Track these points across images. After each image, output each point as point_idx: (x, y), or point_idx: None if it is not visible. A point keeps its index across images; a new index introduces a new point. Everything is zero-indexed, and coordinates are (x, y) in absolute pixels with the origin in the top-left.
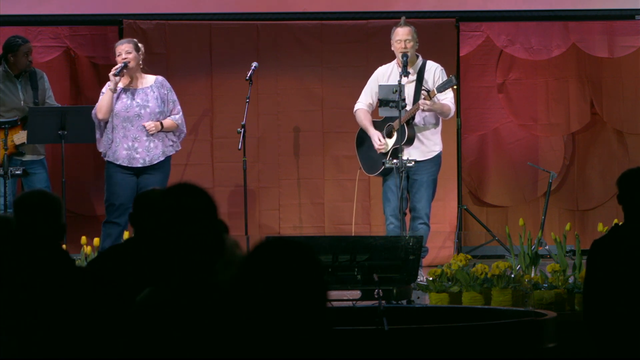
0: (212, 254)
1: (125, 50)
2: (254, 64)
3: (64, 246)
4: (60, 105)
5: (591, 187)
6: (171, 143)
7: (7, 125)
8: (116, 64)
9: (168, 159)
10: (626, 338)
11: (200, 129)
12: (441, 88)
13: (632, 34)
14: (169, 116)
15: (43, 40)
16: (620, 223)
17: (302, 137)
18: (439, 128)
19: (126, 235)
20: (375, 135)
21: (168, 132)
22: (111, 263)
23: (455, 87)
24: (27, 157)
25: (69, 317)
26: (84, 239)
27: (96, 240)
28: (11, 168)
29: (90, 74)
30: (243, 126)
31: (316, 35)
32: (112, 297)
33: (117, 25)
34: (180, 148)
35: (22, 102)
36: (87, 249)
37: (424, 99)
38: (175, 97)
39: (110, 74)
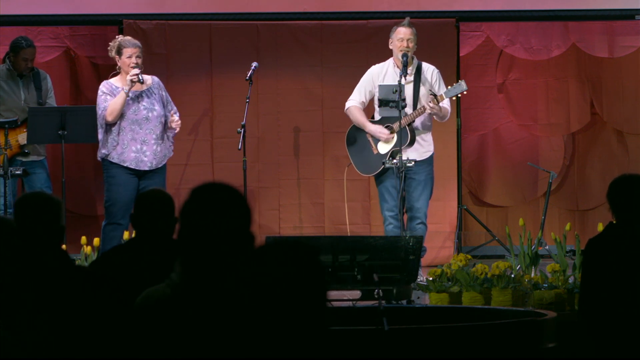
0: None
1: (136, 55)
2: (254, 64)
3: (63, 246)
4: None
5: (591, 187)
6: (170, 144)
7: (7, 126)
8: (115, 61)
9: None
10: (621, 335)
11: (200, 129)
12: (451, 93)
13: (632, 34)
14: (171, 113)
15: (43, 40)
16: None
17: (302, 137)
18: (431, 129)
19: (126, 235)
20: (378, 128)
21: (169, 132)
22: (113, 264)
23: (465, 92)
24: (28, 157)
25: (70, 318)
26: (84, 239)
27: (96, 240)
28: (11, 168)
29: (90, 74)
30: (243, 126)
31: (316, 35)
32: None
33: (117, 25)
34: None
35: (22, 102)
36: (87, 249)
37: (431, 102)
38: (169, 96)
39: (129, 78)
